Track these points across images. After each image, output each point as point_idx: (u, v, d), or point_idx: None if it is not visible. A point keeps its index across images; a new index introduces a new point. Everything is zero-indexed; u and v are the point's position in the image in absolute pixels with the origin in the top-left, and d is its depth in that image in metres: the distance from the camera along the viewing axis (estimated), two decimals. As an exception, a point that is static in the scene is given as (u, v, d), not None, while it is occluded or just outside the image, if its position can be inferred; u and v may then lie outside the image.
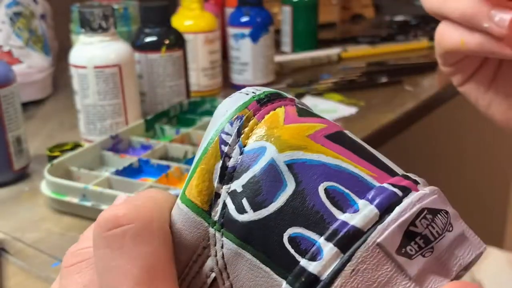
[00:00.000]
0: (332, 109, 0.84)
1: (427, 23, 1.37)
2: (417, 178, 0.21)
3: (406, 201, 0.19)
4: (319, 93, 0.91)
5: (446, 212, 0.20)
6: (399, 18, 1.44)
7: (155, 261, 0.20)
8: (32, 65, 0.87)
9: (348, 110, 0.83)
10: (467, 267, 0.20)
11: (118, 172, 0.59)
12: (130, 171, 0.60)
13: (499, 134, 1.94)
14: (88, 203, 0.54)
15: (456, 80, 0.42)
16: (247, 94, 0.22)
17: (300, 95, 0.90)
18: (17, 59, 0.86)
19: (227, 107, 0.22)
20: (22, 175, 0.64)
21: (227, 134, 0.21)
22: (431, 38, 1.23)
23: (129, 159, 0.62)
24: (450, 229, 0.20)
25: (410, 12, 1.49)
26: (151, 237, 0.20)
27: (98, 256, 0.20)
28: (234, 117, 0.21)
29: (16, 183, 0.63)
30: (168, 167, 0.60)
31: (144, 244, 0.20)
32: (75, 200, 0.55)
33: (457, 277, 0.20)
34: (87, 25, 0.68)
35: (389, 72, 1.00)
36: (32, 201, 0.59)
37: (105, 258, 0.20)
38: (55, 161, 0.59)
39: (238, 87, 0.93)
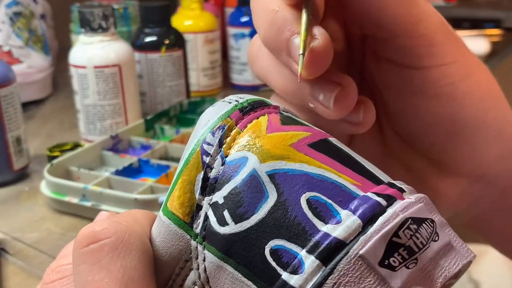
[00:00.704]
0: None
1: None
2: (403, 186, 0.20)
3: (389, 211, 0.19)
4: (319, 93, 0.91)
5: (432, 221, 0.19)
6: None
7: (133, 274, 0.20)
8: (32, 65, 0.87)
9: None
10: (456, 276, 0.20)
11: (118, 172, 0.59)
12: (130, 171, 0.60)
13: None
14: (88, 203, 0.54)
15: None
16: (230, 102, 0.22)
17: (300, 95, 0.90)
18: (17, 59, 0.86)
19: (209, 117, 0.22)
20: (22, 175, 0.64)
21: (209, 144, 0.21)
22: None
23: (129, 159, 0.62)
24: (436, 238, 0.19)
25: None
26: (128, 250, 0.20)
27: (77, 272, 0.20)
28: (216, 126, 0.21)
29: (16, 183, 0.63)
30: (168, 167, 0.60)
31: (121, 258, 0.20)
32: (75, 200, 0.55)
33: (448, 285, 0.19)
34: (87, 25, 0.68)
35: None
36: (32, 201, 0.59)
37: (83, 274, 0.20)
38: (55, 161, 0.59)
39: (238, 87, 0.93)
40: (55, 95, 0.94)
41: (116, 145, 0.66)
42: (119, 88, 0.69)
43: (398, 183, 0.20)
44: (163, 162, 0.61)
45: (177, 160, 0.64)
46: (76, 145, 0.69)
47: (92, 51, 0.68)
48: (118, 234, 0.20)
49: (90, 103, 0.69)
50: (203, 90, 0.90)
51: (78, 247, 0.21)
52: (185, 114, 0.77)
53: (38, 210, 0.57)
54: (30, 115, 0.85)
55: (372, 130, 0.29)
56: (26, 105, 0.84)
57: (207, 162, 0.21)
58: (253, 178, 0.20)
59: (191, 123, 0.74)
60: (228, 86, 0.95)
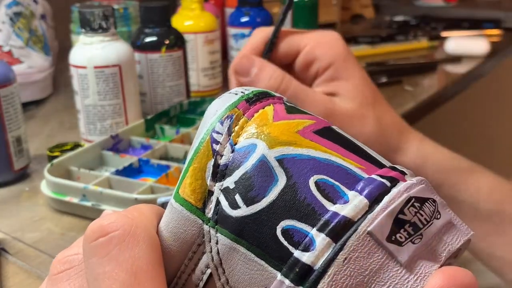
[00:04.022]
0: (332, 109, 0.84)
1: (427, 23, 1.37)
2: (404, 169, 0.21)
3: (394, 191, 0.20)
4: (319, 93, 0.91)
5: (434, 201, 0.20)
6: (399, 18, 1.44)
7: (142, 264, 0.21)
8: (32, 65, 0.87)
9: (348, 110, 0.83)
10: (456, 255, 0.21)
11: (118, 172, 0.59)
12: (130, 171, 0.60)
13: (499, 133, 1.93)
14: (88, 203, 0.54)
15: None
16: (236, 94, 0.23)
17: (300, 95, 0.90)
18: (17, 59, 0.86)
19: (217, 107, 0.23)
20: (22, 175, 0.64)
21: (218, 133, 0.22)
22: (431, 38, 1.23)
23: (129, 159, 0.62)
24: (438, 216, 0.20)
25: (410, 12, 1.49)
26: (136, 241, 0.21)
27: (88, 266, 0.21)
28: (224, 116, 0.22)
29: (16, 183, 0.63)
30: (168, 167, 0.60)
31: (129, 249, 0.21)
32: (75, 200, 0.55)
33: (448, 264, 0.20)
34: (87, 25, 0.68)
35: (389, 72, 1.00)
36: (32, 201, 0.59)
37: (93, 267, 0.21)
38: (55, 161, 0.59)
39: (238, 87, 0.93)
40: (55, 95, 0.94)
41: (116, 145, 0.66)
42: (119, 88, 0.69)
43: (399, 166, 0.21)
44: (163, 162, 0.61)
45: (177, 160, 0.64)
46: (76, 145, 0.69)
47: (92, 51, 0.68)
48: (125, 227, 0.21)
49: (90, 103, 0.69)
50: (203, 90, 0.90)
51: (88, 242, 0.21)
52: (185, 114, 0.77)
53: (38, 210, 0.57)
54: (31, 115, 0.85)
55: None
56: (26, 105, 0.85)
57: (217, 149, 0.22)
58: (263, 163, 0.21)
59: (191, 123, 0.74)
60: (228, 86, 0.95)
